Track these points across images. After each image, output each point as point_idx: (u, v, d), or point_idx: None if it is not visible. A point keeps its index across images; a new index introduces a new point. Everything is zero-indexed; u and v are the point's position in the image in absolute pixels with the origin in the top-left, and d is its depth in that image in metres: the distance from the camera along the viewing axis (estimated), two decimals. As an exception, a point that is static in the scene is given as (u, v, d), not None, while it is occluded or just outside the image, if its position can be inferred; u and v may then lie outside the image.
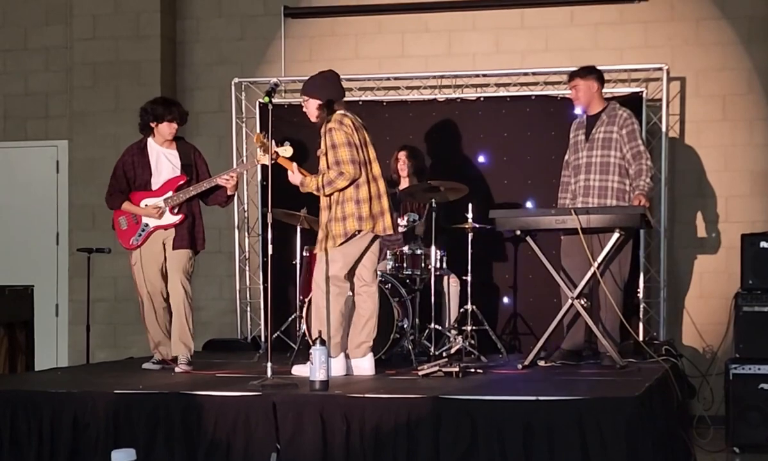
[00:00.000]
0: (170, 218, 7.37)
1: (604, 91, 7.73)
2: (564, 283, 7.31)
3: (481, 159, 9.17)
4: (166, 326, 7.44)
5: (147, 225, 7.38)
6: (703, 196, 9.09)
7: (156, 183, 7.41)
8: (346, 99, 6.95)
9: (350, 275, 6.85)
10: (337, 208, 6.73)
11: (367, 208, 6.72)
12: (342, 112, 6.81)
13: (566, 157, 7.82)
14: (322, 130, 6.76)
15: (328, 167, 6.69)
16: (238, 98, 9.57)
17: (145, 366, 7.46)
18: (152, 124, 7.42)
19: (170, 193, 7.37)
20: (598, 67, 7.79)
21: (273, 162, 6.62)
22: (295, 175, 6.84)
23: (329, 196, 6.73)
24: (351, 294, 6.89)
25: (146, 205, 7.37)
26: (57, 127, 10.11)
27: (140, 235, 7.38)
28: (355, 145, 6.69)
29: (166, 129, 7.40)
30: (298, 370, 6.69)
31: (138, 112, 7.51)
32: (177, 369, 7.17)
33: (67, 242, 9.96)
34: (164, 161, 7.44)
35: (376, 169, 6.86)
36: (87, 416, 5.77)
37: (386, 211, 6.83)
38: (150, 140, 7.48)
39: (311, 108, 6.86)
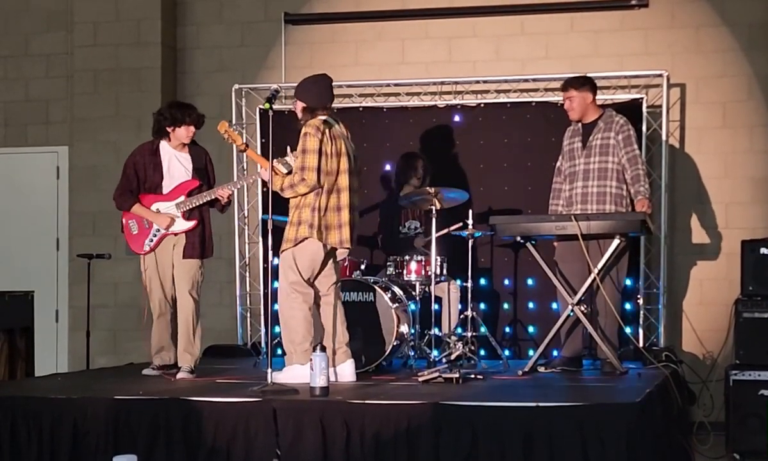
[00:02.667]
0: (184, 224, 7.22)
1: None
2: (564, 290, 7.31)
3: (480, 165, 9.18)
4: (171, 332, 7.34)
5: (159, 230, 7.22)
6: (703, 202, 9.08)
7: (167, 186, 7.27)
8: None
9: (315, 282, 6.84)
10: (295, 213, 6.76)
11: (319, 218, 6.69)
12: (323, 118, 6.81)
13: (558, 164, 7.83)
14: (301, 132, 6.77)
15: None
16: (239, 104, 9.56)
17: (145, 372, 7.42)
18: (169, 128, 7.26)
19: (182, 198, 7.25)
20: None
21: (243, 151, 6.77)
22: (265, 171, 6.83)
23: (292, 198, 6.73)
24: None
25: (158, 210, 7.23)
26: (57, 134, 10.11)
27: (152, 240, 7.22)
28: (325, 154, 6.70)
29: (184, 132, 7.27)
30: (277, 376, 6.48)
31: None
32: (179, 376, 7.12)
33: (68, 248, 9.95)
34: (177, 164, 7.30)
35: (344, 181, 6.78)
36: (87, 422, 5.77)
37: (345, 224, 6.77)
38: (163, 143, 7.32)
39: (298, 108, 6.95)
